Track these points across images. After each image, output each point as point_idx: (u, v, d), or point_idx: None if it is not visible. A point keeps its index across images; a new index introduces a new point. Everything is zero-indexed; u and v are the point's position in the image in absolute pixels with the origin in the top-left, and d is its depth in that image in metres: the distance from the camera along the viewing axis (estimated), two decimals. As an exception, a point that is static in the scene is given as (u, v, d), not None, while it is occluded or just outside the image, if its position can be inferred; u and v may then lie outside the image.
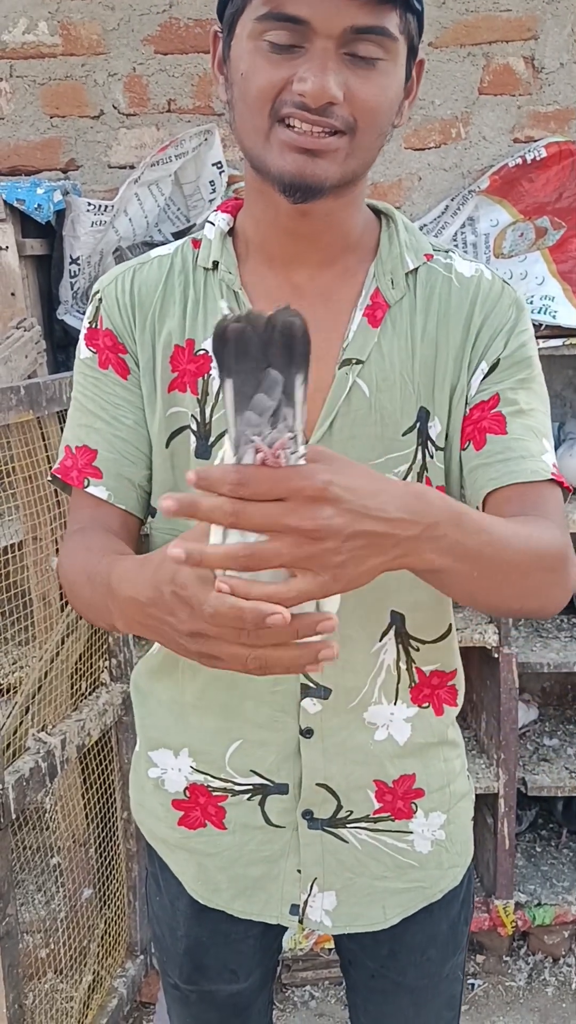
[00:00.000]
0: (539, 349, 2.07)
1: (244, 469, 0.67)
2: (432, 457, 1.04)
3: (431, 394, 1.02)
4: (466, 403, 1.03)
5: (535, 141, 2.26)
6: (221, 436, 1.01)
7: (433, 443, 1.03)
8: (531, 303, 2.10)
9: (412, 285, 1.03)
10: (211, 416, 1.02)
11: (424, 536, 0.77)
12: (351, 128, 0.90)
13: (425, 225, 2.27)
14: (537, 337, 2.08)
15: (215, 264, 1.03)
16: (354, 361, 1.00)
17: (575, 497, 2.24)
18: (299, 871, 1.14)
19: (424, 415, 1.02)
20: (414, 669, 1.10)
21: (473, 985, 2.28)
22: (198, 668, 1.04)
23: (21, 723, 1.72)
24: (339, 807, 1.12)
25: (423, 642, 1.09)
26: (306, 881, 1.14)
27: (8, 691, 1.82)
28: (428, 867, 1.16)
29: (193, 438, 1.03)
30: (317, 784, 1.10)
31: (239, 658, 0.73)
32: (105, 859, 2.05)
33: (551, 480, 0.99)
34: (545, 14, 2.25)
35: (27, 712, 1.74)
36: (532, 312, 2.09)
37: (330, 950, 2.23)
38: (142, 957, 2.10)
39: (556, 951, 2.34)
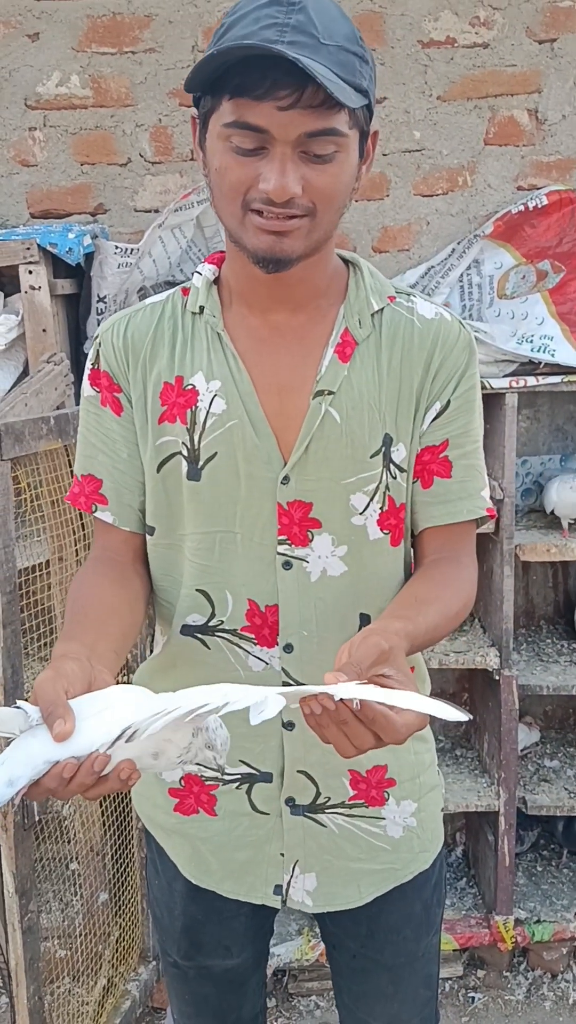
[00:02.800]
0: (539, 386, 2.20)
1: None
2: (395, 478, 1.18)
3: (395, 422, 1.16)
4: (419, 437, 1.18)
5: (537, 189, 2.38)
6: (210, 460, 1.15)
7: (397, 466, 1.17)
8: (531, 342, 2.21)
9: (378, 325, 1.16)
10: (200, 442, 1.15)
11: None
12: (311, 212, 1.03)
13: (433, 267, 2.39)
14: (537, 374, 2.22)
15: (201, 309, 1.17)
16: (326, 392, 1.13)
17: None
18: (282, 854, 1.26)
19: (388, 440, 1.16)
20: None
21: (473, 998, 2.35)
22: (192, 668, 1.21)
23: (45, 732, 1.81)
24: (318, 793, 1.24)
25: None
26: (289, 863, 1.26)
27: (32, 703, 1.92)
28: (400, 850, 1.28)
29: (185, 463, 1.17)
30: (298, 771, 1.23)
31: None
32: (120, 867, 2.14)
33: (484, 516, 1.22)
34: (548, 69, 2.38)
35: (50, 722, 1.84)
36: (532, 351, 2.20)
37: (335, 961, 2.30)
38: (154, 963, 2.18)
39: (555, 967, 2.41)
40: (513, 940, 2.33)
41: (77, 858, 2.07)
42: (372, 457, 1.15)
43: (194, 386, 1.15)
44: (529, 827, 2.56)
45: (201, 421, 1.15)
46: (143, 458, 1.20)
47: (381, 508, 1.18)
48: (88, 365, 1.22)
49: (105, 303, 2.12)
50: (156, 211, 2.36)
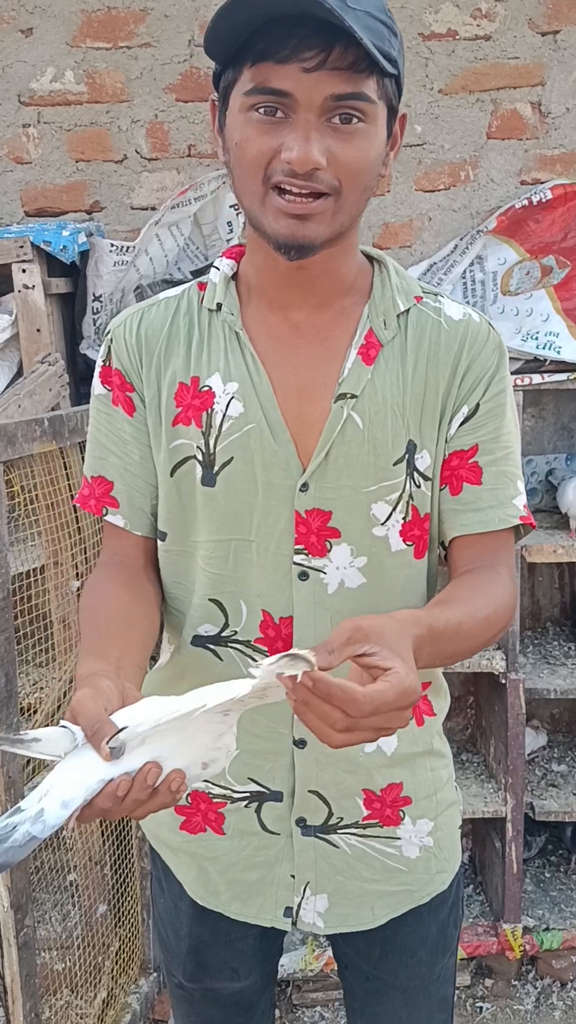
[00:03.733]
0: (544, 383, 2.16)
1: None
2: (419, 487, 1.12)
3: (419, 428, 1.10)
4: (446, 442, 1.12)
5: (541, 183, 2.34)
6: (226, 465, 1.09)
7: (421, 474, 1.11)
8: (536, 339, 2.17)
9: (403, 326, 1.11)
10: (215, 447, 1.10)
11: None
12: (336, 190, 0.97)
13: (435, 263, 2.35)
14: (542, 371, 2.17)
15: (219, 306, 1.11)
16: (349, 395, 1.08)
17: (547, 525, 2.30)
18: (293, 876, 1.20)
19: (412, 447, 1.10)
20: None
21: (481, 1008, 2.31)
22: (202, 679, 1.14)
23: (41, 741, 1.78)
24: (330, 814, 1.18)
25: None
26: (299, 885, 1.20)
27: (28, 711, 1.89)
28: (416, 871, 1.22)
29: (199, 467, 1.11)
30: (309, 791, 1.17)
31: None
32: (120, 878, 2.10)
33: (518, 524, 1.13)
34: (551, 61, 2.34)
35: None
36: (537, 348, 2.16)
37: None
38: (155, 974, 2.14)
39: (564, 976, 2.37)
40: (521, 948, 2.29)
41: (75, 868, 2.03)
42: (395, 465, 1.10)
43: (210, 387, 1.10)
44: (536, 832, 2.51)
45: (217, 424, 1.09)
46: (156, 460, 1.15)
47: (404, 518, 1.12)
48: (99, 362, 1.17)
49: (101, 302, 2.09)
50: (152, 208, 2.32)
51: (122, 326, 1.15)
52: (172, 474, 1.13)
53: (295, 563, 1.11)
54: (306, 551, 1.11)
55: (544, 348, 2.15)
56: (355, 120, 0.95)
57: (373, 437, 1.08)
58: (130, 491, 1.16)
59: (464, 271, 2.34)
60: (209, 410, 1.10)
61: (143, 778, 0.84)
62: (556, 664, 2.39)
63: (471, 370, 1.11)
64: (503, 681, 2.22)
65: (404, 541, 1.13)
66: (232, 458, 1.09)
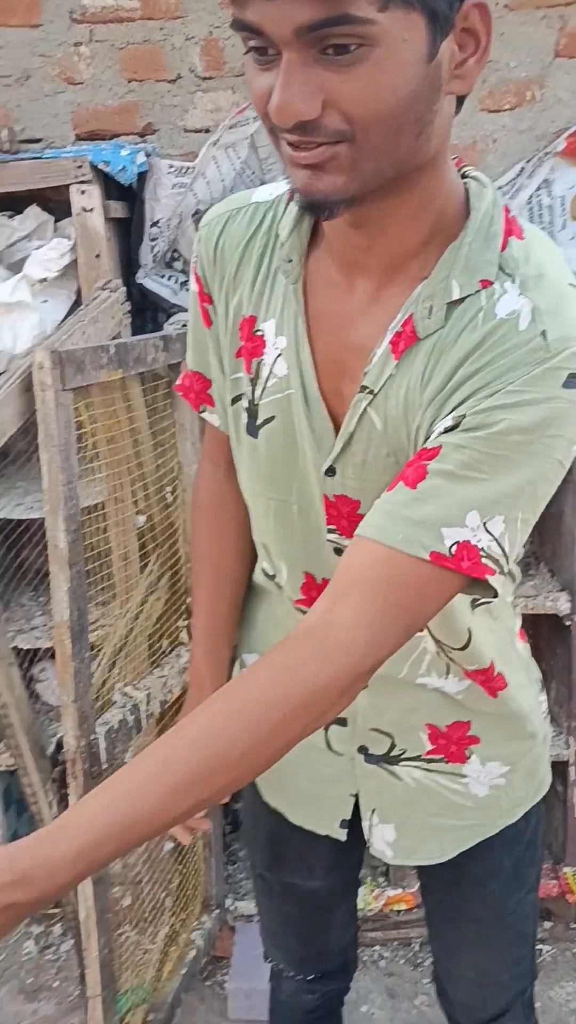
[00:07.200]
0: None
1: None
2: None
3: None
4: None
5: (613, 103, 2.23)
6: (268, 421, 1.01)
7: None
8: (612, 265, 2.08)
9: (449, 319, 0.89)
10: (259, 399, 1.02)
11: None
12: (347, 136, 0.77)
13: (501, 187, 2.25)
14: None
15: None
16: (367, 390, 0.94)
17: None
18: (353, 795, 1.19)
19: None
20: (454, 664, 1.11)
21: (541, 951, 2.30)
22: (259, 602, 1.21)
23: (107, 678, 1.75)
24: (393, 745, 1.15)
25: (451, 648, 1.09)
26: (366, 809, 1.20)
27: (92, 649, 1.85)
28: (486, 808, 1.18)
29: (244, 415, 1.04)
30: (371, 728, 1.15)
31: None
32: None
33: (428, 560, 0.84)
34: (624, -27, 2.21)
35: (113, 667, 1.78)
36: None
37: (399, 911, 2.25)
38: (217, 911, 2.14)
39: (625, 918, 2.35)
40: (582, 891, 2.27)
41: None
42: None
43: (263, 334, 1.00)
44: (595, 776, 2.47)
45: (264, 377, 1.01)
46: (223, 383, 1.08)
47: None
48: (193, 257, 1.08)
49: (159, 227, 2.01)
50: (207, 131, 2.23)
51: (207, 228, 1.05)
52: (233, 403, 1.07)
53: (328, 540, 1.05)
54: (338, 531, 1.03)
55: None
56: (353, 47, 0.73)
57: (388, 440, 0.94)
58: (221, 393, 1.11)
59: (531, 196, 2.24)
60: (259, 359, 1.01)
61: None
62: (620, 605, 2.33)
63: (478, 374, 0.86)
64: (567, 623, 2.17)
65: None
66: (274, 416, 1.01)
